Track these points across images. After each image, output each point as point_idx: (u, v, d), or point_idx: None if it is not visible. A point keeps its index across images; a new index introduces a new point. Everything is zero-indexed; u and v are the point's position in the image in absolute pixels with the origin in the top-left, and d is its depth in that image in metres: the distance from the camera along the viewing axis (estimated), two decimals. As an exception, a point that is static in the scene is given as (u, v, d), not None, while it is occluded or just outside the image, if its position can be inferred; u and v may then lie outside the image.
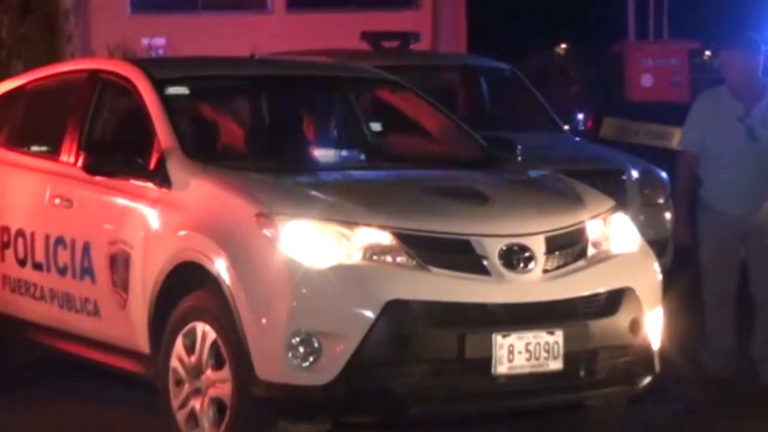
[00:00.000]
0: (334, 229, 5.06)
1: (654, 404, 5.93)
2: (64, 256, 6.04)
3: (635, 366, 5.36)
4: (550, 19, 28.41)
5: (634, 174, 8.45)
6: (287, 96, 6.40)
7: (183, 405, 5.30)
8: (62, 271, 6.06)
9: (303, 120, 6.39)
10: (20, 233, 6.34)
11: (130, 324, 5.59)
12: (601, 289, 5.27)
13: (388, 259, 5.02)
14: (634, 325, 5.32)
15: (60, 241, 6.06)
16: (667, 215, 8.49)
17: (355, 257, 5.01)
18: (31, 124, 6.78)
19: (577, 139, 9.92)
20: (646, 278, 5.47)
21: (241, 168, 5.58)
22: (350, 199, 5.23)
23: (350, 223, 5.06)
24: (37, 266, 6.22)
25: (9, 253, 6.40)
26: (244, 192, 5.26)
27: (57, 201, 6.15)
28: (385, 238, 5.04)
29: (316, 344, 4.91)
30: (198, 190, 5.44)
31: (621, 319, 5.28)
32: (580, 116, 17.35)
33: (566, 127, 9.96)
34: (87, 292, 5.90)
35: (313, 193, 5.32)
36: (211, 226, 5.23)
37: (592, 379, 5.25)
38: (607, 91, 18.21)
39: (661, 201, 8.51)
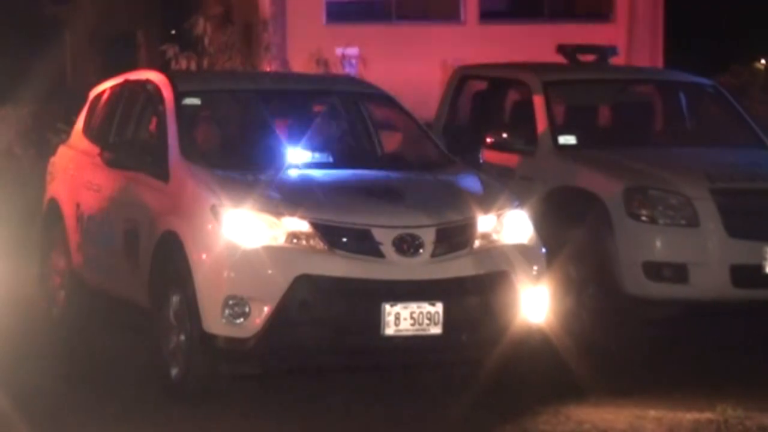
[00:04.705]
0: (265, 218, 6.51)
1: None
2: (102, 231, 7.75)
3: (513, 335, 6.57)
4: (750, 32, 27.62)
5: None
6: (278, 106, 7.76)
7: (167, 345, 6.83)
8: (99, 243, 7.80)
9: (288, 126, 7.60)
10: (81, 210, 8.05)
11: (137, 284, 7.16)
12: (480, 272, 6.54)
13: (304, 242, 6.44)
14: (509, 302, 6.57)
15: (101, 217, 7.74)
16: None
17: (280, 240, 6.46)
18: (101, 120, 8.38)
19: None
20: (525, 265, 6.68)
21: (216, 167, 6.96)
22: (282, 195, 6.64)
23: (278, 213, 6.52)
24: (90, 237, 7.94)
25: (78, 225, 8.12)
26: (207, 187, 6.76)
27: (96, 186, 7.79)
28: (304, 226, 6.47)
29: (245, 306, 6.40)
30: (183, 184, 6.95)
31: (496, 296, 6.56)
32: (788, 134, 16.66)
33: (773, 145, 9.57)
34: (113, 259, 7.54)
35: (256, 189, 6.67)
36: (186, 213, 6.76)
37: (474, 343, 6.57)
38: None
39: None
